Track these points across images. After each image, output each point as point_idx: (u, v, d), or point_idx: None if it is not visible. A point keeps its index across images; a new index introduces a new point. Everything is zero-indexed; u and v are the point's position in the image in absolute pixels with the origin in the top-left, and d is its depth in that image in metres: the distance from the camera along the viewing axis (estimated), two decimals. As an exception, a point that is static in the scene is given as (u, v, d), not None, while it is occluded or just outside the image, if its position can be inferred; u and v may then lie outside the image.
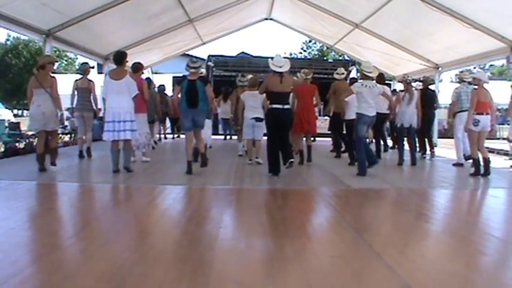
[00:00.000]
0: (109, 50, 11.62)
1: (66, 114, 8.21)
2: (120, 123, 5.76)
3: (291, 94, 6.48)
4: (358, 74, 15.83)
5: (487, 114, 6.30)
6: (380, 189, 5.45)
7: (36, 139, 7.06)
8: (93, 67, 8.45)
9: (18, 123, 11.65)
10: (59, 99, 6.00)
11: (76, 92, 7.47)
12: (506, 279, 2.55)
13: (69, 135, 11.23)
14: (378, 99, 6.87)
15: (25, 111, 43.25)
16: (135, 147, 6.73)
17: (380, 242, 3.14)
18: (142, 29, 11.33)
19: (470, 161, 6.76)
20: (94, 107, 7.61)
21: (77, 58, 39.87)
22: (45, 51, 8.77)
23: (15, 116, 30.39)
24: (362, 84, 6.12)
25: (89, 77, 7.74)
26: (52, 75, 6.03)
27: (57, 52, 33.18)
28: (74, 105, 7.52)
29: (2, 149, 8.51)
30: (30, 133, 10.21)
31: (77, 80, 7.59)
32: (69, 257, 2.69)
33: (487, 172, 6.24)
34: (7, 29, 8.03)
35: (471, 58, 10.17)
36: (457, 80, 7.32)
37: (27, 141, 9.18)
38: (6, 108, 23.67)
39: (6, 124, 11.33)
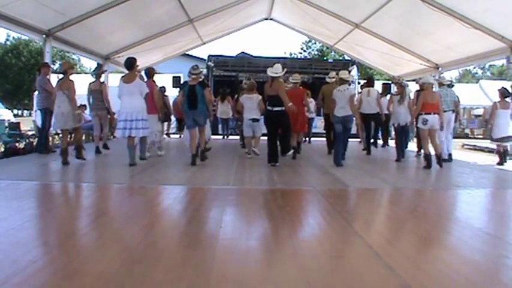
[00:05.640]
0: (109, 50, 11.64)
1: None
2: (132, 122, 6.37)
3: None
4: (359, 74, 15.98)
5: (435, 114, 6.96)
6: (380, 188, 5.47)
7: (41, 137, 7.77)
8: (105, 71, 9.52)
9: (18, 123, 11.63)
10: (75, 100, 6.76)
11: (90, 94, 8.26)
12: (506, 279, 2.55)
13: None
14: (366, 101, 8.89)
15: (25, 111, 43.31)
16: (150, 144, 7.54)
17: (380, 242, 3.13)
18: (143, 29, 11.33)
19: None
20: (107, 106, 8.33)
21: (79, 60, 39.95)
22: (45, 51, 8.81)
23: (15, 116, 30.39)
24: (337, 90, 6.95)
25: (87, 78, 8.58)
26: (71, 78, 6.80)
27: (61, 53, 33.19)
28: (90, 105, 8.32)
29: (2, 149, 8.50)
30: (30, 133, 10.30)
31: (90, 83, 8.30)
32: (69, 257, 2.69)
33: (439, 164, 6.90)
34: (7, 29, 8.17)
35: (471, 58, 10.16)
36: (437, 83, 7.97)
37: (27, 141, 9.17)
38: (6, 108, 23.67)
39: (6, 124, 11.29)
